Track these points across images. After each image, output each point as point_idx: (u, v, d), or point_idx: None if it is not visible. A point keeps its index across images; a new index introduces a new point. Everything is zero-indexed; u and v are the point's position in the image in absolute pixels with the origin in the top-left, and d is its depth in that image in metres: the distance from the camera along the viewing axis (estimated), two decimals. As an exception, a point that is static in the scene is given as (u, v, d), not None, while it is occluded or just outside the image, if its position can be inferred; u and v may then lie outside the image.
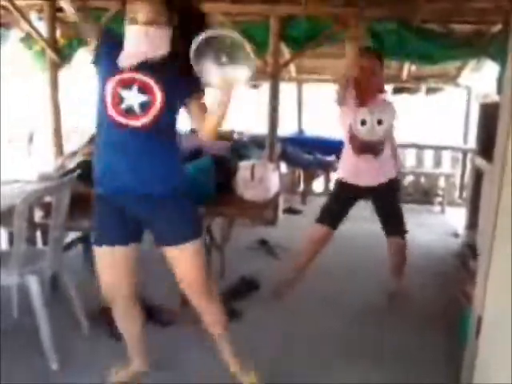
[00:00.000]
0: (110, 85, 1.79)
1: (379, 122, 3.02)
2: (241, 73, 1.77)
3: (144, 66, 1.80)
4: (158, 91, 1.80)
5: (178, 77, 1.83)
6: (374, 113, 3.00)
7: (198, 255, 1.97)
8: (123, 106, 1.78)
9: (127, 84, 1.78)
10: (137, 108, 1.79)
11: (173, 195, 1.90)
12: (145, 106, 1.79)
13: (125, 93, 1.78)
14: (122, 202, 1.91)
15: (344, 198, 3.20)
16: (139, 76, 1.78)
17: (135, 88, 1.78)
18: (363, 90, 2.98)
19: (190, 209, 1.97)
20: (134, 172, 1.83)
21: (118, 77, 1.79)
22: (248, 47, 1.73)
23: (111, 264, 1.96)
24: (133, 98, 1.78)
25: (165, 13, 1.78)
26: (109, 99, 1.79)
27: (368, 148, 3.04)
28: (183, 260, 1.95)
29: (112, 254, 1.94)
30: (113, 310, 2.10)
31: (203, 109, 1.92)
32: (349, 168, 3.15)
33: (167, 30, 1.80)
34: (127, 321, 2.14)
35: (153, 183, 1.87)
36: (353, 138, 3.05)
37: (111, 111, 1.79)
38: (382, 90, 3.10)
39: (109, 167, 1.85)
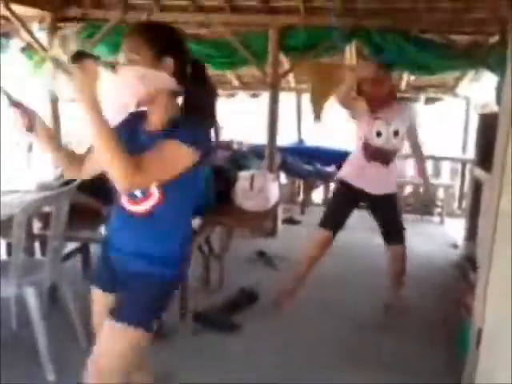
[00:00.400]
0: None
1: (395, 133, 3.04)
2: None
3: (153, 138, 1.60)
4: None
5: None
6: (390, 124, 3.01)
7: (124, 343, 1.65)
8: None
9: None
10: (138, 193, 1.62)
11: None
12: (144, 190, 1.61)
13: None
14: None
15: (346, 199, 3.18)
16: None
17: None
18: (376, 101, 3.00)
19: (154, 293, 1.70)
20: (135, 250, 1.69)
21: None
22: None
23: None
24: None
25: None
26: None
27: (380, 155, 3.05)
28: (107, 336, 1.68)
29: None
30: None
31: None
32: (356, 171, 3.13)
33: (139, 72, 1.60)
34: None
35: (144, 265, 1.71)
36: (366, 145, 3.05)
37: (119, 197, 1.68)
38: (395, 98, 3.12)
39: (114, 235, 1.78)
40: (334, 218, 3.19)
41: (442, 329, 3.14)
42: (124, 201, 1.67)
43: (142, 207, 1.64)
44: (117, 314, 1.65)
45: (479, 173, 4.16)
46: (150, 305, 1.68)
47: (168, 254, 1.67)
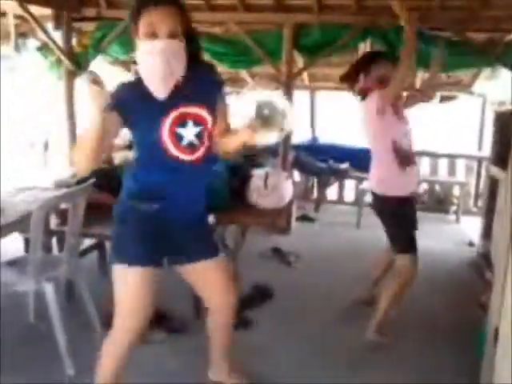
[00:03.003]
0: (165, 127, 1.78)
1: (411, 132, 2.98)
2: (271, 135, 1.76)
3: (183, 94, 1.78)
4: (207, 115, 1.85)
5: (207, 89, 1.86)
6: (408, 123, 2.93)
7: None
8: (184, 143, 1.82)
9: (182, 122, 1.80)
10: (195, 141, 1.84)
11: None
12: (200, 135, 1.84)
13: (182, 130, 1.80)
14: (167, 222, 1.90)
15: (412, 210, 2.92)
16: (187, 109, 1.80)
17: (190, 123, 1.81)
18: (399, 101, 2.92)
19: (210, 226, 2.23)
20: (190, 197, 1.96)
21: (169, 119, 1.77)
22: (289, 114, 1.74)
23: (142, 286, 1.86)
24: (190, 133, 1.82)
25: (180, 24, 1.71)
26: (167, 140, 1.79)
27: (411, 159, 2.89)
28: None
29: (143, 274, 1.85)
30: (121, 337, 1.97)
31: (227, 123, 1.90)
32: (396, 183, 2.85)
33: (183, 42, 1.73)
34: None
35: (201, 208, 2.05)
36: (397, 151, 2.80)
37: (174, 151, 1.81)
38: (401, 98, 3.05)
39: (167, 191, 1.88)
40: (413, 234, 2.87)
41: (458, 328, 3.12)
42: (177, 152, 1.81)
43: (197, 154, 1.85)
44: (212, 251, 2.04)
45: (495, 171, 4.13)
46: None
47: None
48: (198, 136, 1.83)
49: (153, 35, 1.66)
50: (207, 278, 2.06)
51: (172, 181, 1.86)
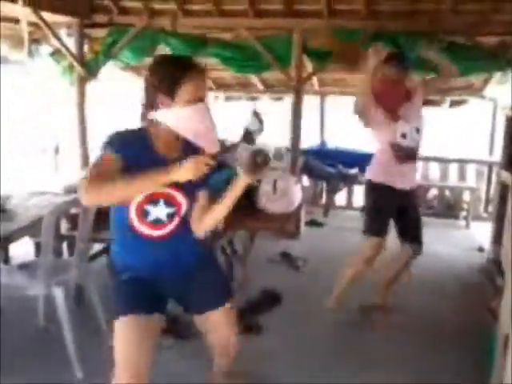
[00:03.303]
0: (134, 201, 1.76)
1: (417, 130, 3.02)
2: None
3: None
4: (182, 198, 1.83)
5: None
6: (411, 122, 2.98)
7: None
8: (149, 218, 1.80)
9: (153, 200, 1.78)
10: (164, 218, 1.81)
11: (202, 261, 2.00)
12: (171, 216, 1.82)
13: (151, 208, 1.78)
14: (158, 282, 1.89)
15: (389, 199, 3.08)
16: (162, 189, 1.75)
17: (161, 202, 1.79)
18: (394, 102, 2.97)
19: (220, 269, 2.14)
20: (173, 259, 1.89)
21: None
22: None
23: (140, 336, 1.73)
24: (160, 211, 1.80)
25: None
26: (133, 213, 1.78)
27: (410, 156, 3.03)
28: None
29: (140, 324, 1.74)
30: None
31: (205, 202, 1.90)
32: (392, 174, 3.03)
33: None
34: None
35: (190, 263, 1.95)
36: (394, 147, 2.99)
37: (137, 224, 1.80)
38: (410, 98, 3.06)
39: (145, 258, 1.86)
40: (382, 222, 3.10)
41: (468, 334, 3.09)
42: (143, 227, 1.80)
43: (167, 229, 1.84)
44: (218, 301, 1.95)
45: (506, 176, 4.10)
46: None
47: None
48: (169, 216, 1.81)
49: (199, 99, 1.71)
50: (210, 324, 1.99)
51: (147, 252, 1.85)
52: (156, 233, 1.81)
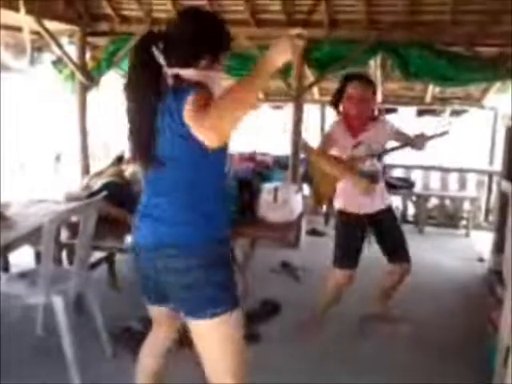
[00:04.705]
0: None
1: (378, 157, 2.98)
2: None
3: None
4: None
5: None
6: (370, 146, 2.94)
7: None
8: None
9: None
10: None
11: None
12: None
13: None
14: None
15: (351, 229, 3.05)
16: None
17: None
18: (356, 122, 2.94)
19: None
20: None
21: None
22: None
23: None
24: None
25: None
26: None
27: (373, 180, 2.94)
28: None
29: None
30: None
31: None
32: (350, 199, 3.01)
33: None
34: None
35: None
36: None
37: None
38: (373, 117, 3.04)
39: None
40: (350, 253, 3.06)
41: (469, 346, 3.08)
42: None
43: None
44: (203, 308, 1.63)
45: (506, 186, 4.09)
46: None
47: None
48: None
49: None
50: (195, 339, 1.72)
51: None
52: None
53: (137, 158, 1.69)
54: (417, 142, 2.94)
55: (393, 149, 3.07)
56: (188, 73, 1.61)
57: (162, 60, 1.60)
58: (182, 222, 1.63)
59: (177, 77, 1.60)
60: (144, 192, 1.75)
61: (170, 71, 1.60)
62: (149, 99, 1.57)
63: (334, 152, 2.99)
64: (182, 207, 1.64)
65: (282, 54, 1.44)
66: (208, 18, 1.69)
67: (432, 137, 2.94)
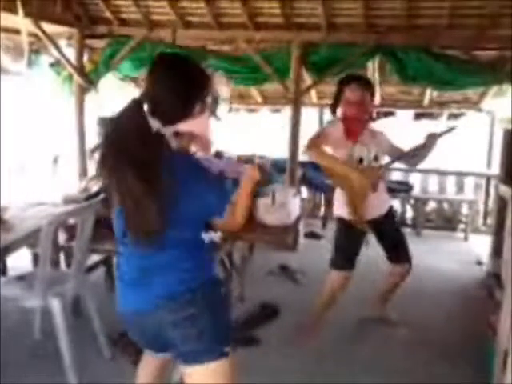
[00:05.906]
0: None
1: (375, 159, 2.97)
2: None
3: None
4: None
5: None
6: (370, 149, 2.93)
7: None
8: None
9: None
10: None
11: None
12: None
13: None
14: None
15: (351, 233, 3.03)
16: None
17: None
18: (353, 124, 2.93)
19: None
20: None
21: None
22: None
23: None
24: None
25: None
26: None
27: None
28: None
29: None
30: None
31: None
32: (347, 207, 2.95)
33: None
34: None
35: None
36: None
37: None
38: (372, 119, 3.05)
39: None
40: (347, 255, 3.06)
41: (467, 349, 3.07)
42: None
43: None
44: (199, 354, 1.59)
45: (504, 189, 4.10)
46: None
47: None
48: None
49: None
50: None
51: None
52: None
53: (134, 235, 1.56)
54: (429, 141, 2.92)
55: (392, 161, 3.05)
56: (187, 125, 1.59)
57: (156, 123, 1.52)
58: (175, 280, 1.59)
59: (177, 134, 1.58)
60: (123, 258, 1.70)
61: (168, 131, 1.55)
62: (156, 169, 1.47)
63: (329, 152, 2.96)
64: (174, 267, 1.61)
65: (249, 180, 1.70)
66: (186, 65, 1.64)
67: (442, 134, 2.92)
